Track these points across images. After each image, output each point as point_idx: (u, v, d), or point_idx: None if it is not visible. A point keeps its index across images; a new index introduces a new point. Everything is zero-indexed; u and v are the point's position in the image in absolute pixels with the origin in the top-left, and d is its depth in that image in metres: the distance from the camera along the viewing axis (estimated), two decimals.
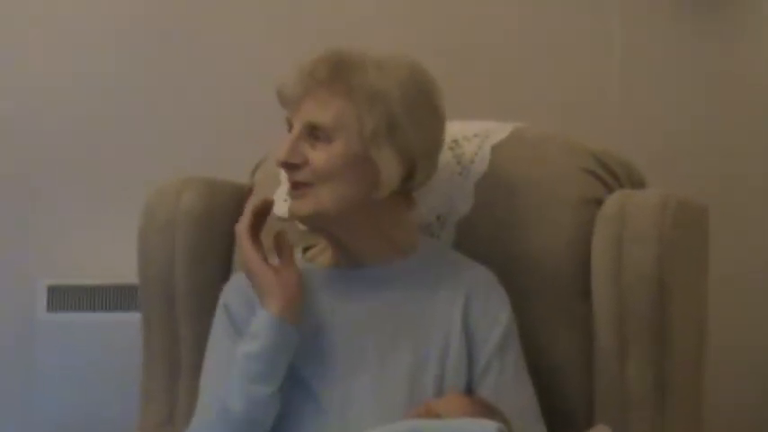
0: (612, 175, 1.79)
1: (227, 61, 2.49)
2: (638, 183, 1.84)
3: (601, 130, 2.40)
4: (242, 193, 1.93)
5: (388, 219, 1.64)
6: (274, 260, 1.60)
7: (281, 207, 1.73)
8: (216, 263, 1.87)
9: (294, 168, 1.58)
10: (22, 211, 2.50)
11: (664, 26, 2.51)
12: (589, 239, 1.72)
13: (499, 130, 1.84)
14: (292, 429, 1.57)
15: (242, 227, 1.61)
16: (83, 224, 2.49)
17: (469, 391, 1.60)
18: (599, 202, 1.74)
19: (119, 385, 2.29)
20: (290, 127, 1.61)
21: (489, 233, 1.76)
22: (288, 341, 1.56)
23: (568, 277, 1.73)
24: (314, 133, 1.58)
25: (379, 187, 1.58)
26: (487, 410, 1.53)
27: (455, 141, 1.82)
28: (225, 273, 1.85)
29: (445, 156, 1.74)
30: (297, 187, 1.59)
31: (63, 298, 2.38)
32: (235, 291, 1.67)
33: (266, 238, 1.63)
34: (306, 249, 1.73)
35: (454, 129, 1.78)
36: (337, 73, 1.57)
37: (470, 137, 1.83)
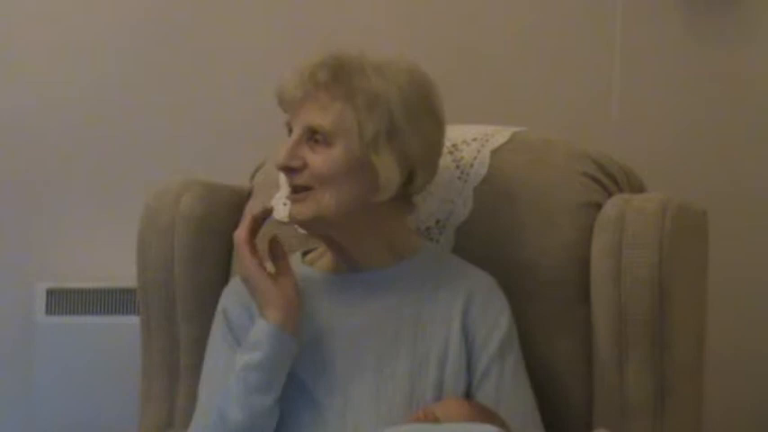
0: (612, 180, 1.79)
1: (228, 64, 2.49)
2: (637, 187, 1.84)
3: (600, 135, 2.40)
4: (241, 197, 1.93)
5: (388, 223, 1.64)
6: (269, 266, 1.60)
7: (281, 211, 1.73)
8: (215, 266, 1.87)
9: (294, 172, 1.58)
10: (20, 215, 2.49)
11: (664, 31, 2.50)
12: (588, 244, 1.72)
13: (498, 135, 1.84)
14: None
15: (241, 235, 1.60)
16: (82, 227, 2.49)
17: (469, 395, 1.60)
18: (598, 207, 1.74)
19: (118, 388, 2.29)
20: (290, 130, 1.61)
21: (489, 237, 1.76)
22: (287, 351, 1.56)
23: (568, 282, 1.73)
24: (314, 137, 1.58)
25: (379, 191, 1.58)
26: (487, 415, 1.53)
27: (454, 145, 1.82)
28: (224, 276, 1.85)
29: (444, 160, 1.74)
30: (297, 191, 1.59)
31: (62, 301, 2.38)
32: (233, 295, 1.67)
33: (260, 242, 1.62)
34: (305, 253, 1.73)
35: (453, 133, 1.78)
36: (337, 77, 1.57)
37: (470, 141, 1.83)
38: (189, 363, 1.84)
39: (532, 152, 1.81)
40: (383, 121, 1.57)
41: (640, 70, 2.51)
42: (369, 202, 1.59)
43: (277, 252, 1.61)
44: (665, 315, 1.64)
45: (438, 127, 1.64)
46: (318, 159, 1.57)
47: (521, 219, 1.76)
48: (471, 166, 1.80)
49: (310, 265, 1.70)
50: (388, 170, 1.57)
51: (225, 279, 1.82)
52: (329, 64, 1.58)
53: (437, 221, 1.79)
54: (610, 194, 1.77)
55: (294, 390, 1.58)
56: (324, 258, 1.70)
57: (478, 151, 1.82)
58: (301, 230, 1.72)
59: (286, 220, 1.65)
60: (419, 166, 1.61)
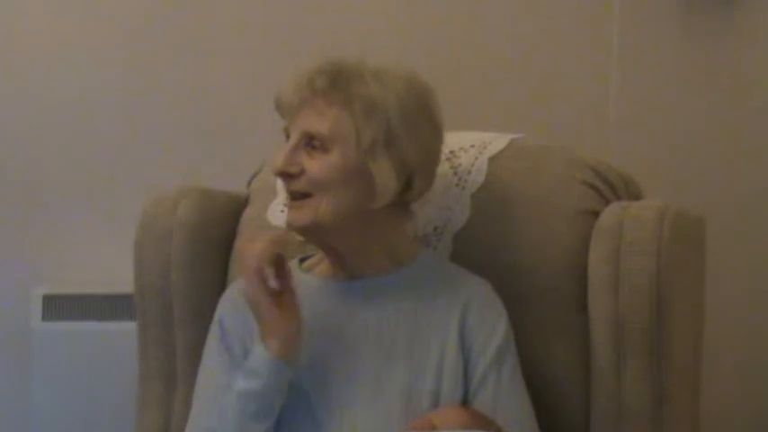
0: (610, 187, 1.79)
1: (225, 70, 2.49)
2: (635, 194, 1.84)
3: (598, 142, 2.40)
4: (238, 203, 1.93)
5: (386, 230, 1.64)
6: (272, 281, 1.56)
7: (278, 217, 1.73)
8: (212, 272, 1.87)
9: (291, 178, 1.58)
10: (17, 220, 2.49)
11: (661, 36, 2.51)
12: (586, 251, 1.71)
13: (496, 142, 1.84)
14: None
15: (258, 257, 1.54)
16: (78, 233, 2.49)
17: (466, 402, 1.59)
18: (596, 214, 1.74)
19: (114, 394, 2.29)
20: (288, 136, 1.60)
21: (486, 244, 1.76)
22: (285, 380, 1.55)
23: (565, 289, 1.73)
24: (311, 143, 1.57)
25: (376, 198, 1.57)
26: (484, 422, 1.53)
27: (452, 152, 1.82)
28: (221, 282, 1.85)
29: (442, 167, 1.74)
30: (294, 197, 1.59)
31: (58, 307, 2.37)
32: (230, 304, 1.66)
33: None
34: (303, 260, 1.73)
35: (451, 139, 1.78)
36: (335, 83, 1.57)
37: (467, 148, 1.83)
38: (185, 369, 1.83)
39: (530, 159, 1.81)
40: (381, 127, 1.56)
41: (637, 75, 2.51)
42: (366, 208, 1.58)
43: (282, 271, 1.58)
44: (662, 322, 1.64)
45: (436, 134, 1.64)
46: (316, 165, 1.57)
47: (518, 226, 1.75)
48: (469, 173, 1.80)
49: (308, 272, 1.70)
50: (386, 177, 1.57)
51: (222, 285, 1.82)
52: (327, 70, 1.58)
53: (435, 228, 1.79)
54: (607, 202, 1.77)
55: (290, 396, 1.57)
56: (322, 265, 1.69)
57: (476, 158, 1.81)
58: (299, 237, 1.71)
59: (284, 227, 1.64)
60: (417, 173, 1.61)
